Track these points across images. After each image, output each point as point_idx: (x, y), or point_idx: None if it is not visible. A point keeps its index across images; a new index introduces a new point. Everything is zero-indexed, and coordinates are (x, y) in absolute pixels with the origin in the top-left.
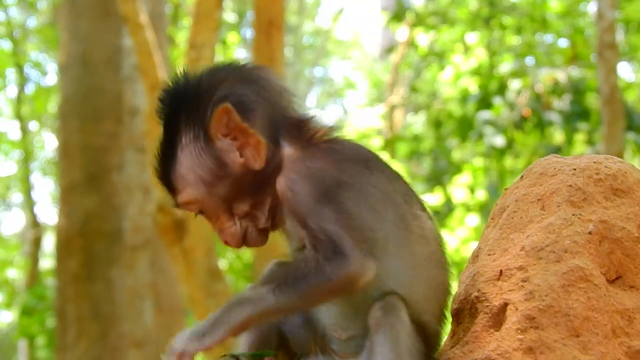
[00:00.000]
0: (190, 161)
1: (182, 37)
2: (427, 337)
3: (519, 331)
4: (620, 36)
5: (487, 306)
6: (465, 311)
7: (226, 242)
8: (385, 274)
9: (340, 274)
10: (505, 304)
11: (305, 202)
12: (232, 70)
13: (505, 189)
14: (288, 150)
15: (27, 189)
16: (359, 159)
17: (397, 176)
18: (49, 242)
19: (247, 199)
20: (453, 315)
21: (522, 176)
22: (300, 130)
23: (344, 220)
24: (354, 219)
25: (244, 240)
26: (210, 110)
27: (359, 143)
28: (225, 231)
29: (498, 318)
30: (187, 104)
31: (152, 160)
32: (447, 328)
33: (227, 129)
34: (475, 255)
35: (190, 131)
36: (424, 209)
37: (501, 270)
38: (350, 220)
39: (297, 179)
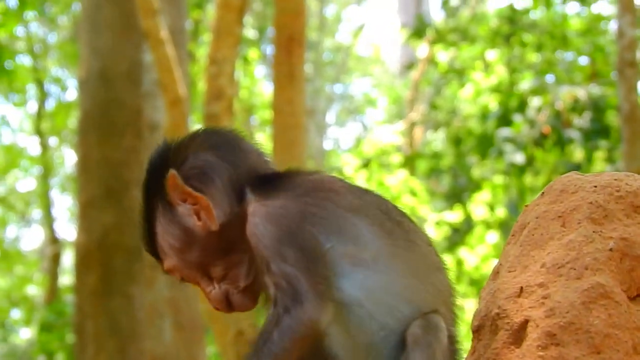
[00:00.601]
0: (162, 231)
1: (202, 52)
2: (454, 352)
3: (540, 348)
4: None
5: (508, 323)
6: (486, 328)
7: (216, 308)
8: (385, 290)
9: (299, 326)
10: (526, 321)
11: (268, 245)
12: (200, 138)
13: (526, 206)
14: (251, 202)
15: (47, 205)
16: (322, 185)
17: (366, 191)
18: (68, 259)
19: (220, 261)
20: (473, 332)
21: (543, 193)
22: (267, 181)
23: (305, 259)
24: (317, 254)
25: (228, 304)
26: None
27: (323, 173)
28: (209, 297)
29: (519, 335)
30: (155, 175)
31: (138, 231)
32: (467, 345)
33: (181, 195)
34: (496, 272)
35: (159, 201)
36: (402, 214)
37: (522, 287)
38: (313, 256)
39: (258, 222)
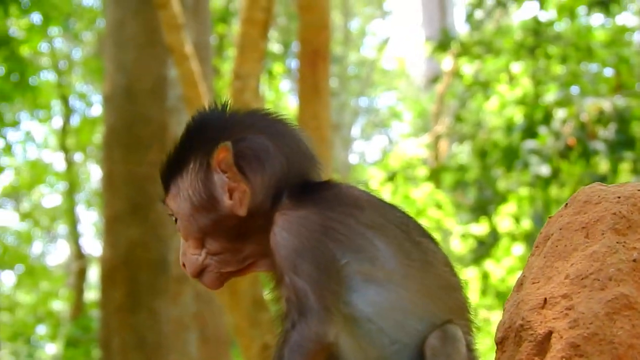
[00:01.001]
0: (188, 179)
1: (227, 67)
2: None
3: (564, 359)
4: None
5: (532, 334)
6: (510, 339)
7: (183, 266)
8: (396, 306)
9: (306, 342)
10: (550, 332)
11: (284, 255)
12: (267, 119)
13: (550, 217)
14: (282, 208)
15: (72, 221)
16: (347, 200)
17: (391, 207)
18: (93, 274)
19: (224, 240)
20: (497, 344)
21: (567, 204)
22: (305, 190)
23: (318, 273)
24: (331, 269)
25: (199, 274)
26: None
27: (353, 185)
28: (187, 255)
29: (542, 346)
30: (211, 131)
31: (163, 160)
32: (491, 357)
33: (225, 167)
34: (520, 284)
35: (199, 155)
36: (424, 234)
37: (545, 299)
38: (326, 271)
39: (279, 231)
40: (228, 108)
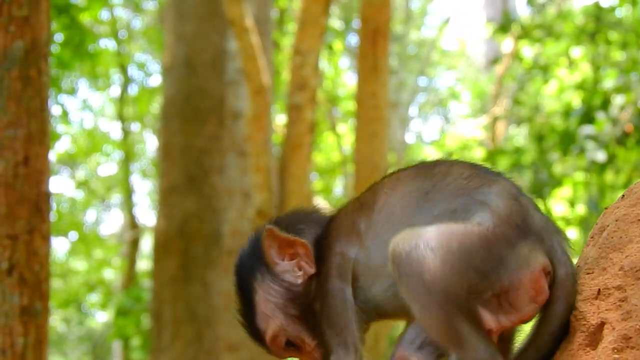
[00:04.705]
0: (263, 296)
1: (287, 42)
2: None
3: (615, 351)
4: None
5: (584, 325)
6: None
7: None
8: None
9: None
10: (602, 323)
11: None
12: (283, 217)
13: (606, 209)
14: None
15: (127, 190)
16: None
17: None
18: (146, 244)
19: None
20: None
21: (623, 196)
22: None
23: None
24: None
25: None
26: (261, 245)
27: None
28: (313, 352)
29: (594, 337)
30: (249, 257)
31: (237, 318)
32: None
33: (279, 250)
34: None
35: (257, 274)
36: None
37: (599, 289)
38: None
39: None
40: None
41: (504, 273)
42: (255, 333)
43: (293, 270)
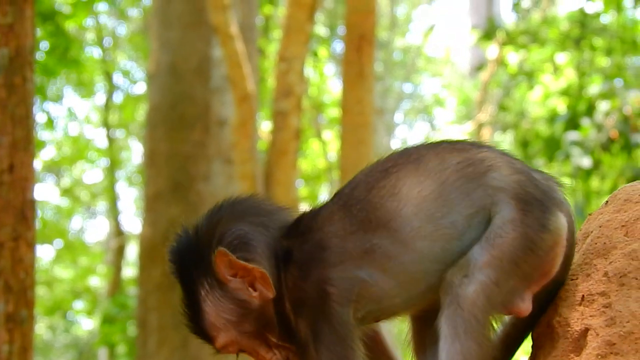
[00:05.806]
0: (214, 309)
1: (272, 49)
2: None
3: (599, 357)
4: None
5: (568, 331)
6: (546, 335)
7: None
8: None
9: None
10: (586, 329)
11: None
12: (224, 209)
13: (589, 215)
14: (290, 268)
15: (112, 198)
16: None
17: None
18: (132, 251)
19: (277, 328)
20: (534, 339)
21: (607, 202)
22: (297, 232)
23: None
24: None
25: None
26: (211, 257)
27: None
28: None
29: (579, 343)
30: (193, 257)
31: (182, 317)
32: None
33: (232, 270)
34: None
35: (205, 282)
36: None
37: (583, 295)
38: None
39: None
40: (186, 229)
41: (545, 257)
42: (203, 335)
43: (247, 289)
